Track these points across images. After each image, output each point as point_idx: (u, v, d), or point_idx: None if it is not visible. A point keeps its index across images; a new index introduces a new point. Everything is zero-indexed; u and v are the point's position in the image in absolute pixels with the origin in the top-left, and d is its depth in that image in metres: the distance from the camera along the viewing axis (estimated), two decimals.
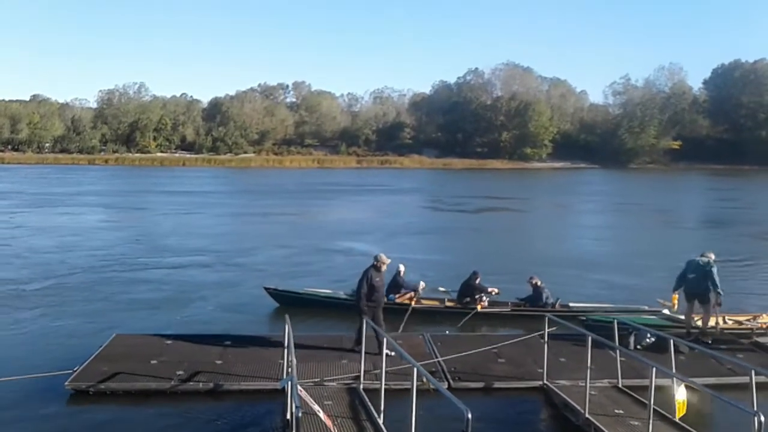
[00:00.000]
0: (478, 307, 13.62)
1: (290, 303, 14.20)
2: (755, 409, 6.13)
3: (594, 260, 22.06)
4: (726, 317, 12.65)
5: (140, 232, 27.60)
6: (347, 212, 38.27)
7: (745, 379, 7.39)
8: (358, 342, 10.48)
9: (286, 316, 9.40)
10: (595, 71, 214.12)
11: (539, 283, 14.15)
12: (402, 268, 13.91)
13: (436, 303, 14.12)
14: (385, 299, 12.63)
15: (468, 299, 13.84)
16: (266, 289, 14.70)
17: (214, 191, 54.05)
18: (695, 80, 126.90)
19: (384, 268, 10.77)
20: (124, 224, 30.52)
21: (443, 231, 30.17)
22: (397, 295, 13.71)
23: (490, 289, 13.93)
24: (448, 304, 14.05)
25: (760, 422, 5.78)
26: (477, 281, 13.93)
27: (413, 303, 13.56)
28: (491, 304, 13.91)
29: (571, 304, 13.96)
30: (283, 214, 36.10)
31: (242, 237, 26.85)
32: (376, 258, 10.75)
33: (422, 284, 13.93)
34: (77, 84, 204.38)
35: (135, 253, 21.75)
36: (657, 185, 68.66)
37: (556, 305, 13.78)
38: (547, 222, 34.67)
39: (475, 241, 27.28)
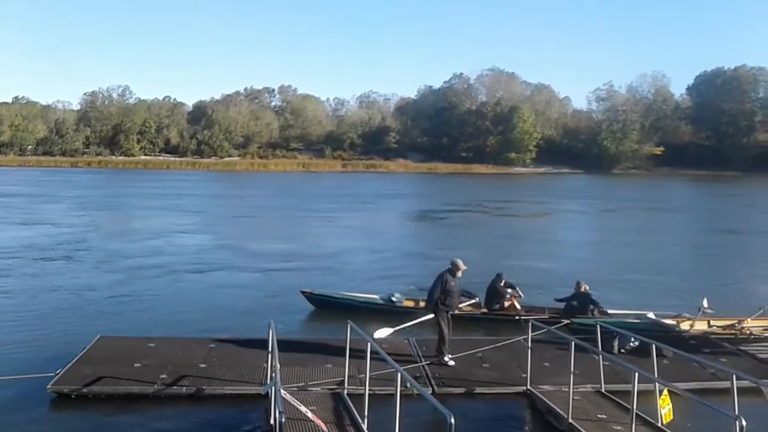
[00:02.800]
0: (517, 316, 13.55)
1: (326, 306, 14.33)
2: (737, 413, 6.19)
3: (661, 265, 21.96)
4: (710, 321, 12.75)
5: (221, 235, 27.58)
6: (396, 216, 38.36)
7: (727, 384, 7.44)
8: (440, 351, 10.51)
9: (271, 321, 9.30)
10: (579, 77, 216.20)
11: (587, 289, 13.90)
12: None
13: (472, 310, 13.91)
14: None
15: (498, 305, 13.79)
16: (303, 292, 14.72)
17: (250, 195, 53.28)
18: (678, 87, 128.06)
19: (460, 273, 10.75)
20: (198, 228, 30.41)
21: (507, 237, 29.86)
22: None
23: (513, 293, 13.87)
24: (483, 310, 13.93)
25: (741, 426, 5.84)
26: (502, 283, 13.90)
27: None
28: (527, 310, 13.79)
29: (609, 311, 13.76)
30: (337, 218, 35.65)
31: (322, 240, 26.97)
32: (452, 263, 10.75)
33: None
34: (60, 86, 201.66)
35: (228, 258, 21.86)
36: (655, 190, 68.41)
37: (596, 312, 13.54)
38: (594, 226, 34.65)
39: (552, 246, 26.96)
